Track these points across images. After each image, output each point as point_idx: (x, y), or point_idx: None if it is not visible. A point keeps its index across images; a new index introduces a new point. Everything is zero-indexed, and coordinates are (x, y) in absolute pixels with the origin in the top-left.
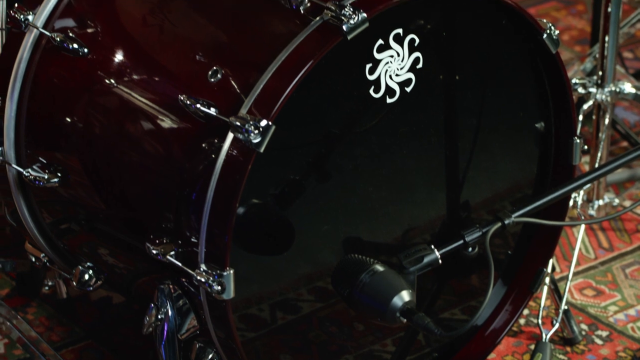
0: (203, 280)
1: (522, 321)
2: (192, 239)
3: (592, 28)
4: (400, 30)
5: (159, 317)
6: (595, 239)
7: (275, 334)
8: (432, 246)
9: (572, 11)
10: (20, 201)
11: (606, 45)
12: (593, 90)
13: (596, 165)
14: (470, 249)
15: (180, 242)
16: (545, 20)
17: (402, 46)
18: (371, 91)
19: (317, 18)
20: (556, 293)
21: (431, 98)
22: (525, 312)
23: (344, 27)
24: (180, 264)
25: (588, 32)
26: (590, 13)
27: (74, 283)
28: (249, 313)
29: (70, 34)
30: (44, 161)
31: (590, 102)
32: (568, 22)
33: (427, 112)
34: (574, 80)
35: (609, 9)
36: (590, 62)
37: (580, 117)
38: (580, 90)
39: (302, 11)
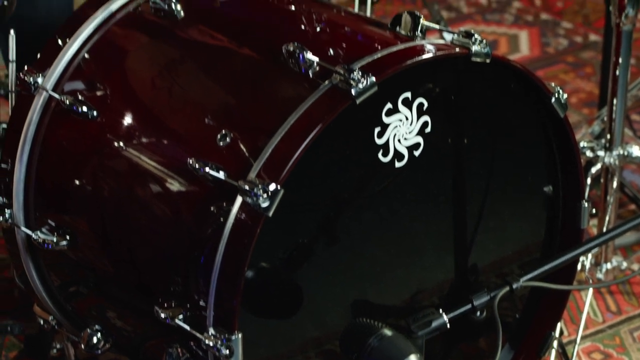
0: (211, 344)
1: None
2: (201, 303)
3: (600, 91)
4: (408, 94)
5: None
6: (604, 303)
7: None
8: (440, 310)
9: (581, 74)
10: (29, 264)
11: (614, 108)
12: (601, 153)
13: (604, 229)
14: (478, 313)
15: (188, 305)
16: (553, 84)
17: (410, 110)
18: (380, 155)
19: (326, 82)
20: (564, 357)
21: (440, 161)
22: None
23: (353, 91)
24: (188, 328)
25: (596, 94)
26: (598, 76)
27: (83, 346)
28: None
29: (80, 97)
30: (53, 224)
31: (599, 166)
32: (576, 84)
33: (436, 175)
34: (582, 144)
35: (617, 72)
36: (598, 124)
37: (589, 180)
38: (589, 153)
39: (311, 75)
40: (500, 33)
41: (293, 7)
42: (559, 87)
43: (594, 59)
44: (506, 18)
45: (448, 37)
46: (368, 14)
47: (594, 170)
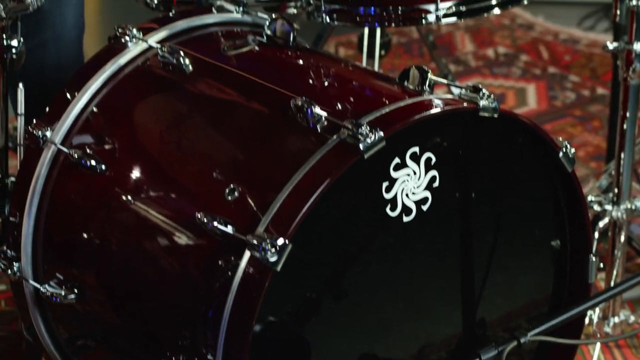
0: None
1: None
2: (209, 357)
3: (607, 144)
4: (416, 149)
5: None
6: (612, 357)
7: None
8: None
9: (588, 127)
10: (37, 317)
11: (622, 162)
12: (609, 207)
13: (612, 283)
14: None
15: (196, 359)
16: (561, 138)
17: (418, 165)
18: (388, 209)
19: (334, 137)
20: None
21: (447, 215)
22: None
23: (361, 146)
24: None
25: (604, 148)
26: (606, 129)
27: None
28: None
29: (88, 151)
30: (61, 277)
31: (606, 220)
32: (584, 138)
33: (444, 229)
34: (589, 198)
35: (625, 126)
36: (606, 179)
37: (596, 234)
38: (596, 207)
39: (319, 129)
40: (508, 86)
41: (301, 61)
42: (566, 142)
43: (601, 113)
44: (514, 71)
45: (456, 91)
46: (376, 67)
47: (601, 224)
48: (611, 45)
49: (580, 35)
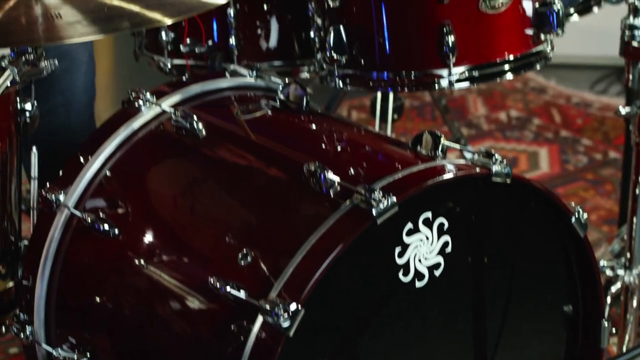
0: None
1: None
2: None
3: (620, 208)
4: (429, 214)
5: None
6: None
7: None
8: None
9: (600, 191)
10: None
11: (634, 226)
12: (621, 272)
13: (624, 348)
14: None
15: None
16: (573, 204)
17: (431, 230)
18: (400, 275)
19: (347, 202)
20: None
21: (460, 280)
22: None
23: (374, 212)
24: None
25: (616, 212)
26: (618, 193)
27: None
28: None
29: (101, 215)
30: (74, 341)
31: (619, 284)
32: (596, 202)
33: (456, 294)
34: (602, 262)
35: (637, 190)
36: (618, 243)
37: (609, 299)
38: (609, 272)
39: (332, 195)
40: (520, 150)
41: (314, 126)
42: (579, 207)
43: (613, 177)
44: (526, 135)
45: (468, 156)
46: (389, 131)
47: (613, 289)
48: (623, 110)
49: (593, 98)
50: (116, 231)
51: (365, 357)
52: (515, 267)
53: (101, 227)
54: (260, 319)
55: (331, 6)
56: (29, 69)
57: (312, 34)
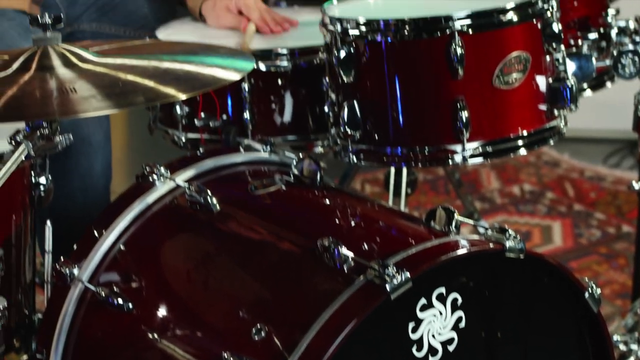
0: None
1: None
2: None
3: (633, 282)
4: (443, 290)
5: None
6: None
7: None
8: None
9: (614, 265)
10: None
11: None
12: (634, 347)
13: None
14: None
15: None
16: (587, 279)
17: (444, 305)
18: (414, 350)
19: (361, 277)
20: None
21: (473, 355)
22: None
23: (388, 287)
24: None
25: (629, 286)
26: (631, 267)
27: None
28: None
29: (115, 289)
30: None
31: (632, 359)
32: (609, 276)
33: None
34: (615, 337)
35: None
36: (631, 317)
37: None
38: (622, 347)
39: (346, 270)
40: (534, 224)
41: (328, 201)
42: (592, 282)
43: (627, 251)
44: (539, 209)
45: (482, 231)
46: (402, 205)
47: None
48: (636, 185)
49: (606, 172)
50: (130, 305)
51: None
52: (528, 342)
53: (115, 302)
54: None
55: (345, 81)
56: (44, 144)
57: (326, 109)
